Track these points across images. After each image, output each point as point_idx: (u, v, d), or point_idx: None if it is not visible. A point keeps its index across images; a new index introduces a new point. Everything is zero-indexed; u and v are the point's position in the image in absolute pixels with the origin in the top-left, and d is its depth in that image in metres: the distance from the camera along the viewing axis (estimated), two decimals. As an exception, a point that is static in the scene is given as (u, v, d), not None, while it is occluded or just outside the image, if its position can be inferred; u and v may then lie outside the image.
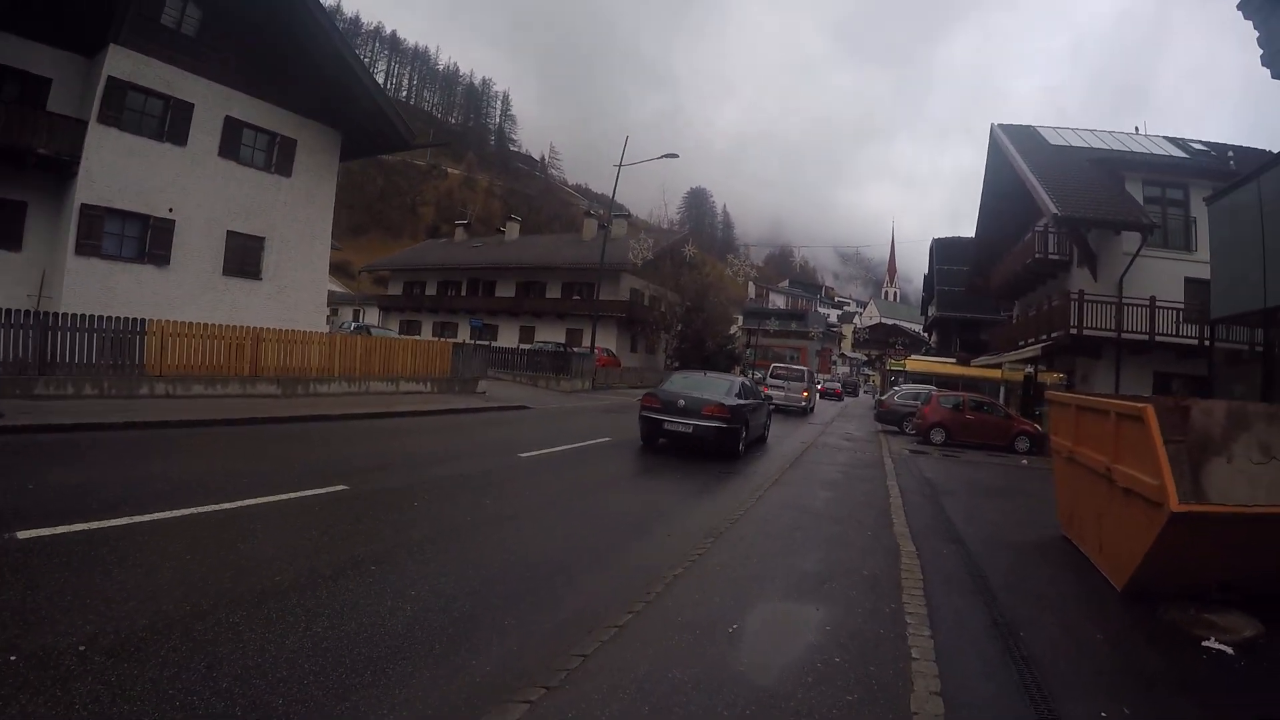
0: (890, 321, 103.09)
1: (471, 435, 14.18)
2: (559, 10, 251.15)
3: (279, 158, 22.71)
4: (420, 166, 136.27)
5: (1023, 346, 24.00)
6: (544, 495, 9.13)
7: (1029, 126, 27.07)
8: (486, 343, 33.09)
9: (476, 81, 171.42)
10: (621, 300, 44.19)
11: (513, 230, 58.06)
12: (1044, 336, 21.51)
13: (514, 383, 28.48)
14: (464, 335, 49.88)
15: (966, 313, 41.26)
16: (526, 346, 34.46)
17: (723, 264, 63.28)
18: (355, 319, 57.37)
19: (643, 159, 29.73)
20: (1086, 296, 19.06)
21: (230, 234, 21.32)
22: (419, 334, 51.73)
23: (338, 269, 78.92)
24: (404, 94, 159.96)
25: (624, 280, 44.79)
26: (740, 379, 16.09)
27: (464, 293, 52.47)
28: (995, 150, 27.07)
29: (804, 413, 28.48)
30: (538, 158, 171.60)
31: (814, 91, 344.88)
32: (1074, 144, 25.59)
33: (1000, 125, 26.83)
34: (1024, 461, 17.08)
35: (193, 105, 20.04)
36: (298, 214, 23.45)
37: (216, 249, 21.02)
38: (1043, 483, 11.88)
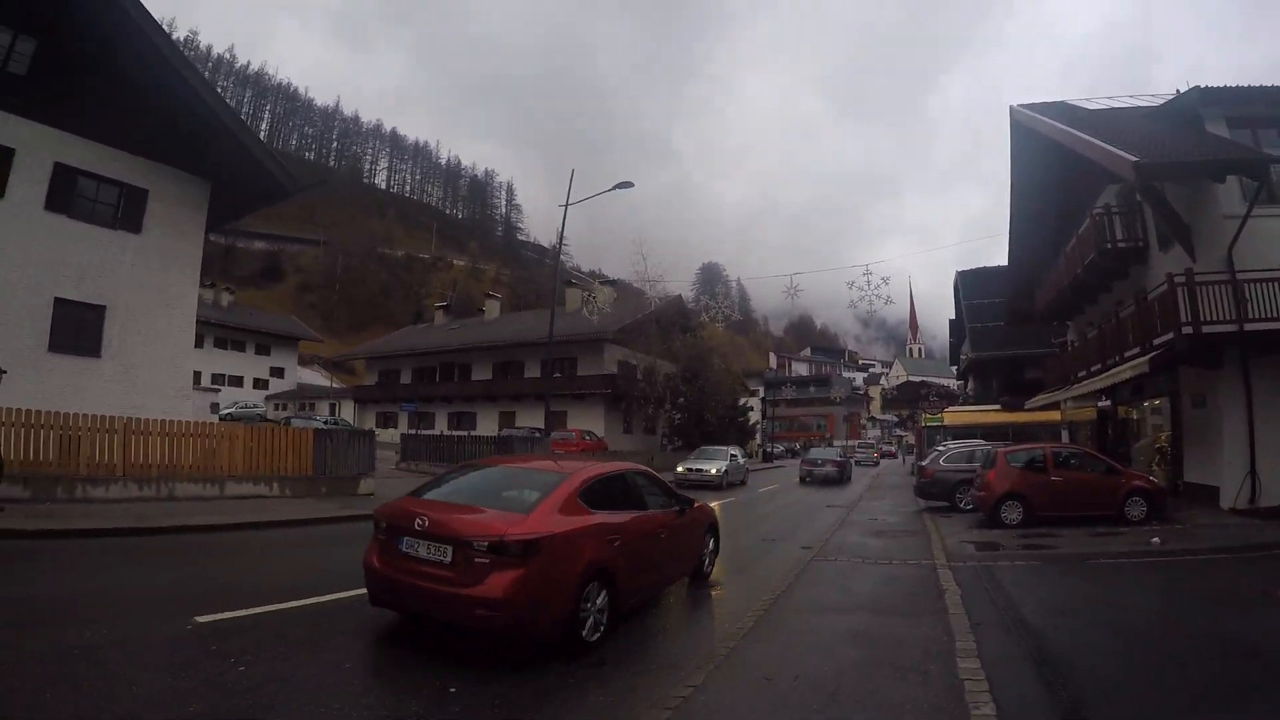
0: (918, 378, 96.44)
1: (205, 565, 8.74)
2: (557, 100, 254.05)
3: (125, 211, 18.02)
4: (425, 260, 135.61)
5: (1091, 375, 17.86)
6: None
7: (1059, 102, 21.49)
8: (414, 431, 27.66)
9: (479, 174, 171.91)
10: (606, 374, 38.48)
11: (492, 309, 53.06)
12: (1128, 354, 15.44)
13: (448, 476, 22.63)
14: (440, 426, 44.66)
15: (1005, 349, 35.09)
16: (460, 433, 28.90)
17: (741, 336, 57.75)
18: (331, 414, 52.40)
19: (595, 193, 24.50)
20: (1198, 277, 13.00)
21: (59, 302, 16.72)
22: (396, 426, 46.40)
23: (337, 365, 74.82)
24: (408, 190, 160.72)
25: (609, 351, 39.28)
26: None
27: (439, 379, 47.19)
28: (1022, 136, 21.47)
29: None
30: (546, 245, 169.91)
31: (816, 155, 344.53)
32: (1120, 106, 20.06)
33: (1022, 106, 21.28)
34: (1155, 540, 10.70)
35: (13, 150, 15.86)
36: (149, 278, 18.60)
37: (40, 320, 16.46)
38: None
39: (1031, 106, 20.80)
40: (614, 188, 23.91)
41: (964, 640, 5.85)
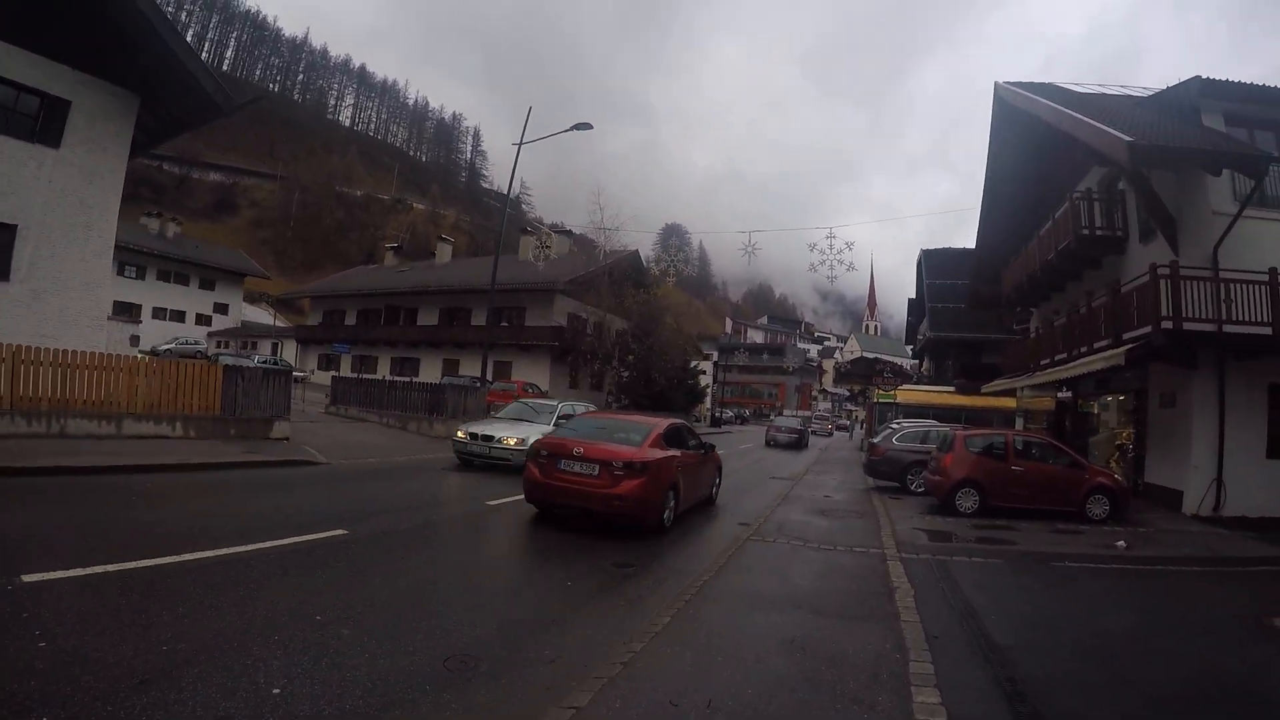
0: (872, 355, 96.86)
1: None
2: (533, 47, 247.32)
3: (44, 123, 16.26)
4: (384, 201, 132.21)
5: (1055, 364, 17.23)
6: None
7: (1046, 83, 20.63)
8: (355, 375, 26.15)
9: (447, 117, 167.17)
10: (554, 326, 37.17)
11: (444, 253, 51.20)
12: (1098, 345, 14.78)
13: (378, 425, 21.39)
14: (383, 370, 43.09)
15: (965, 332, 34.62)
16: (392, 378, 27.48)
17: (699, 300, 56.90)
18: (274, 354, 50.39)
19: (551, 133, 23.19)
20: (1183, 271, 12.26)
21: (-38, 220, 15.00)
22: (338, 370, 44.66)
23: (286, 305, 72.10)
24: (372, 129, 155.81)
25: (559, 303, 37.96)
26: None
27: (384, 322, 45.44)
28: (1004, 115, 20.66)
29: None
30: (510, 193, 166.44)
31: (787, 127, 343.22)
32: (1111, 93, 19.29)
33: (1009, 84, 20.37)
34: (1120, 544, 9.97)
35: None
36: (68, 197, 16.92)
37: (-59, 240, 14.77)
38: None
39: (1017, 84, 19.95)
40: (572, 128, 22.63)
41: (919, 659, 4.96)
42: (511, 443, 14.43)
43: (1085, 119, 13.93)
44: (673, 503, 9.67)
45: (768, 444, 34.19)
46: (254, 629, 4.68)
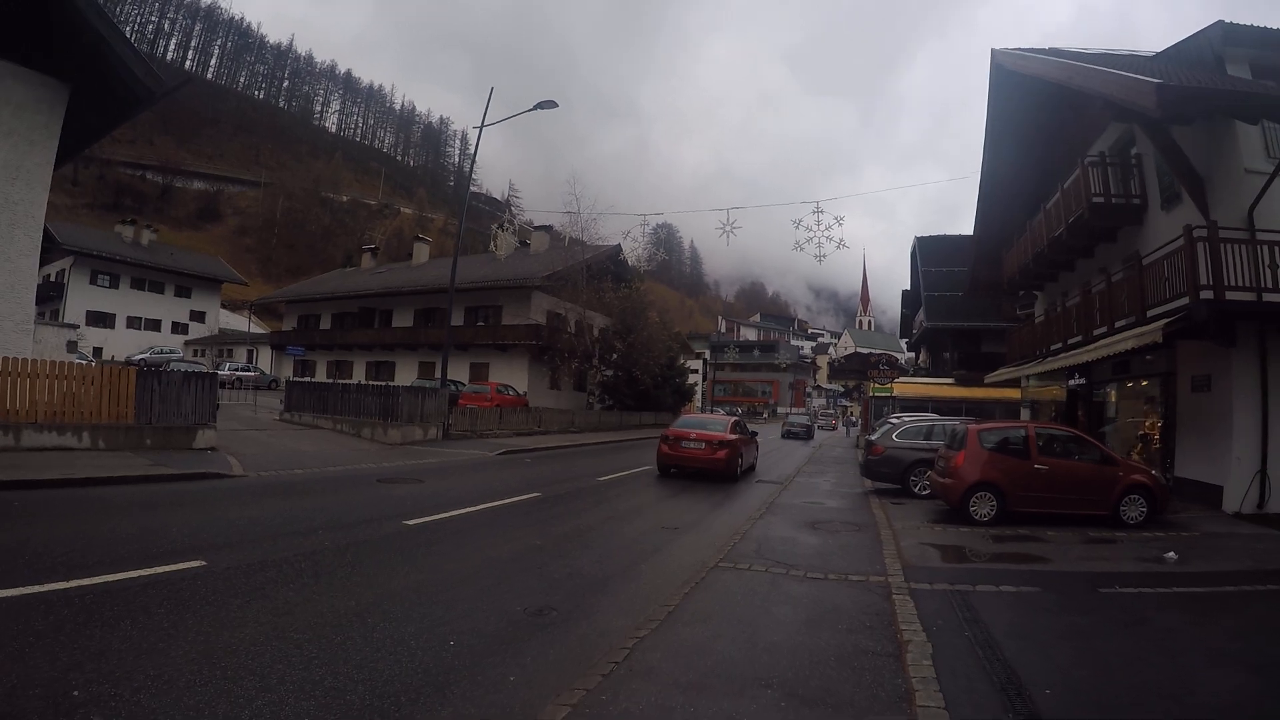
0: (867, 349, 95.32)
1: None
2: (522, 51, 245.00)
3: None
4: (371, 206, 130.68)
5: (1068, 348, 15.62)
6: None
7: (1047, 48, 19.00)
8: (306, 379, 24.37)
9: (434, 121, 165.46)
10: (532, 324, 35.41)
11: (421, 253, 49.40)
12: (1119, 324, 13.17)
13: (330, 432, 19.62)
14: (359, 375, 41.38)
15: (963, 321, 33.03)
16: (350, 382, 25.68)
17: (691, 299, 55.28)
18: (250, 360, 48.68)
19: (514, 113, 21.45)
20: (1222, 233, 10.60)
21: (-125, 218, 13.39)
22: (312, 374, 42.95)
23: (268, 311, 70.05)
24: (358, 135, 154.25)
25: (537, 300, 36.28)
26: None
27: (359, 325, 43.67)
28: (1004, 84, 19.03)
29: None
30: (499, 197, 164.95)
31: (776, 124, 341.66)
32: (1118, 53, 17.68)
33: (1007, 50, 18.77)
34: (1170, 555, 8.22)
35: None
36: None
37: None
38: None
39: (1021, 52, 18.31)
40: (535, 107, 21.01)
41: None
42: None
43: (1101, 68, 12.32)
44: (739, 464, 16.79)
45: (783, 436, 41.53)
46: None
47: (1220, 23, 13.43)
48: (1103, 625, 5.96)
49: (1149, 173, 14.50)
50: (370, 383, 26.13)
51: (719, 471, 15.73)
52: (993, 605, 6.36)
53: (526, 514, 10.52)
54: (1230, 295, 10.32)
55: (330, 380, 30.79)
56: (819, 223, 20.07)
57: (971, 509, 10.79)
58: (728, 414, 23.46)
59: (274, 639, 4.69)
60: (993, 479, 10.73)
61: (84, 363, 17.09)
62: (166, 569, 5.95)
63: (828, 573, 7.50)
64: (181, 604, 5.18)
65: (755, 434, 19.94)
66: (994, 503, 10.69)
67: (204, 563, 6.22)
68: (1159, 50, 15.36)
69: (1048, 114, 18.47)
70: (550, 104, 21.01)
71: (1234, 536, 9.68)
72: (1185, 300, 10.54)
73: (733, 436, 16.35)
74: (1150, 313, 11.77)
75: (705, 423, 17.75)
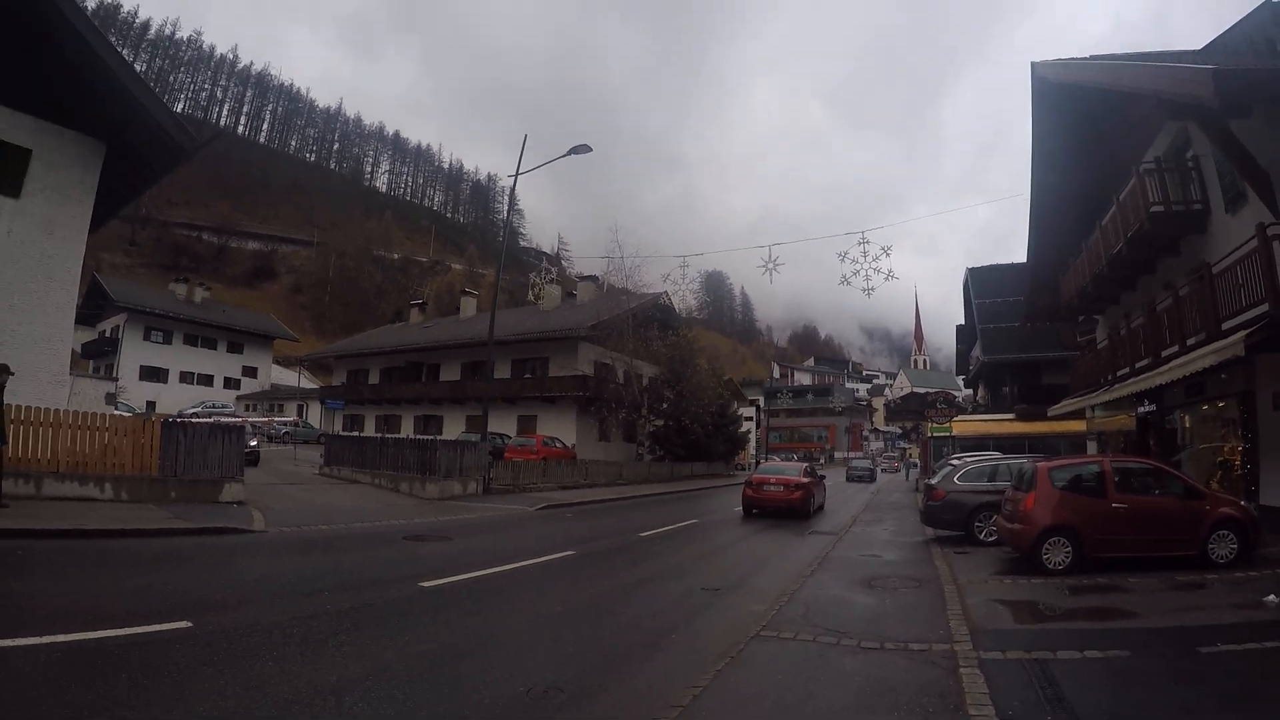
0: (923, 389, 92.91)
1: None
2: (563, 106, 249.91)
3: (2, 173, 15.24)
4: (423, 263, 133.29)
5: (1136, 373, 14.48)
6: None
7: (1090, 57, 18.19)
8: (353, 433, 24.21)
9: (482, 178, 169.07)
10: (579, 375, 34.99)
11: (468, 307, 49.67)
12: (1190, 342, 12.09)
13: (369, 486, 19.30)
14: (407, 429, 41.38)
15: (1021, 353, 31.65)
16: (381, 435, 25.38)
17: (744, 346, 54.69)
18: (300, 416, 49.40)
19: (549, 159, 21.46)
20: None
21: (-90, 273, 13.84)
22: (361, 429, 43.17)
23: (321, 368, 71.33)
24: (408, 194, 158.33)
25: (583, 351, 35.87)
26: None
27: (407, 379, 43.86)
28: (1047, 98, 18.07)
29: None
30: (548, 250, 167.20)
31: (821, 165, 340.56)
32: (1161, 52, 16.80)
33: (1047, 62, 18.00)
34: (1271, 599, 7.16)
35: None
36: (28, 249, 15.84)
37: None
38: None
39: (1062, 63, 17.54)
40: (569, 152, 20.90)
41: None
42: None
43: (1150, 64, 11.51)
44: (812, 503, 19.33)
45: (848, 479, 42.93)
46: None
47: (1269, 3, 12.60)
48: (1209, 698, 4.96)
49: (1209, 175, 13.50)
50: (410, 436, 25.85)
51: (795, 509, 18.30)
52: (1078, 676, 5.37)
53: (555, 576, 9.83)
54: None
55: (373, 435, 30.63)
56: (865, 254, 19.21)
57: (1044, 557, 9.69)
58: (800, 460, 28.02)
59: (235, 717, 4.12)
60: (1067, 522, 9.67)
61: (116, 414, 17.13)
62: (148, 629, 5.59)
63: (884, 641, 6.48)
64: (149, 670, 4.74)
65: (824, 476, 23.40)
66: (1069, 548, 9.60)
67: (190, 624, 5.81)
68: (1203, 45, 14.54)
69: (1096, 125, 17.54)
70: (585, 148, 20.86)
71: (1340, 574, 8.50)
72: (1265, 307, 9.50)
73: (806, 480, 19.02)
74: (1225, 325, 10.71)
75: (782, 469, 20.70)
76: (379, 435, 27.11)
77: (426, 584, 8.24)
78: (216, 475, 13.78)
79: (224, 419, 18.95)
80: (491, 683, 5.12)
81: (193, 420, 17.55)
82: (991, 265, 38.50)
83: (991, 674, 5.36)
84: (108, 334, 50.97)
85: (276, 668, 5.06)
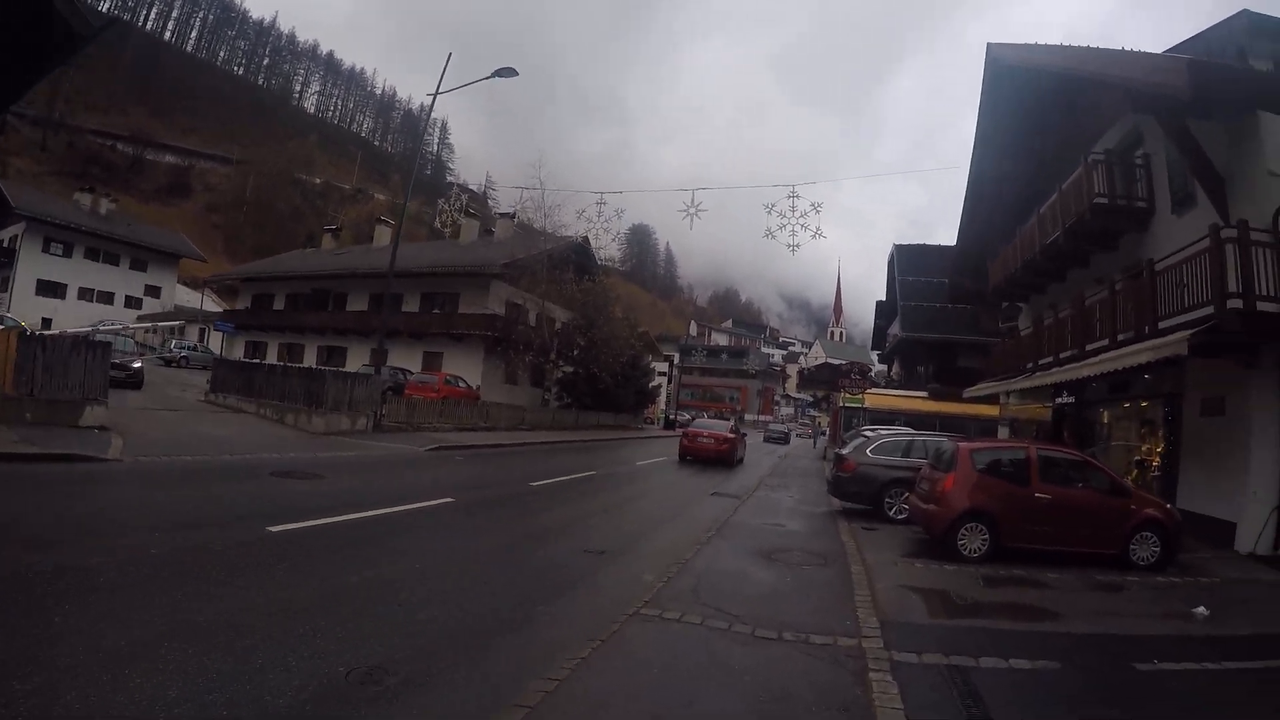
0: (838, 360, 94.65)
1: None
2: (508, 42, 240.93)
3: None
4: (345, 190, 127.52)
5: (1060, 363, 14.35)
6: None
7: (1050, 45, 17.87)
8: (245, 360, 22.55)
9: (415, 108, 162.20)
10: (489, 314, 33.70)
11: (383, 236, 47.06)
12: (1121, 338, 11.90)
13: (254, 416, 17.92)
14: (310, 359, 39.40)
15: (941, 333, 31.97)
16: (281, 364, 23.76)
17: (664, 301, 54.12)
18: (202, 340, 46.58)
19: (470, 80, 20.24)
20: (1254, 231, 9.28)
21: None
22: (264, 356, 40.92)
23: (230, 291, 67.37)
24: (335, 117, 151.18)
25: (495, 289, 34.49)
26: None
27: (312, 306, 41.66)
28: (999, 80, 17.74)
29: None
30: (475, 187, 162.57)
31: (758, 132, 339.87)
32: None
33: (1004, 44, 17.58)
34: (1200, 610, 6.86)
35: None
36: None
37: None
38: None
39: (1020, 47, 17.09)
40: (493, 74, 19.52)
41: None
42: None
43: (1120, 50, 11.08)
44: (735, 454, 23.53)
45: (764, 440, 47.91)
46: None
47: (1244, 13, 12.25)
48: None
49: (1158, 175, 13.31)
50: (304, 366, 24.30)
51: (724, 458, 22.53)
52: (1005, 694, 4.79)
53: (422, 528, 8.80)
54: (1264, 305, 9.03)
55: (270, 362, 28.82)
56: (794, 208, 18.42)
57: (960, 543, 9.21)
58: (724, 419, 33.75)
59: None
60: (986, 507, 9.20)
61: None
62: None
63: (782, 630, 5.74)
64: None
65: (746, 434, 29.23)
66: (986, 535, 9.15)
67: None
68: (1163, 50, 14.30)
69: (1044, 114, 17.31)
70: (510, 71, 19.52)
71: (1257, 584, 8.41)
72: (1209, 309, 9.23)
73: (732, 435, 24.16)
74: (1163, 324, 10.49)
75: (713, 425, 26.27)
76: (270, 363, 25.36)
77: (274, 528, 7.28)
78: (78, 396, 12.34)
79: (99, 337, 17.11)
80: (308, 658, 4.28)
81: (61, 336, 15.85)
82: (919, 245, 38.72)
83: (906, 683, 4.75)
84: (5, 244, 46.66)
85: (62, 624, 4.11)
